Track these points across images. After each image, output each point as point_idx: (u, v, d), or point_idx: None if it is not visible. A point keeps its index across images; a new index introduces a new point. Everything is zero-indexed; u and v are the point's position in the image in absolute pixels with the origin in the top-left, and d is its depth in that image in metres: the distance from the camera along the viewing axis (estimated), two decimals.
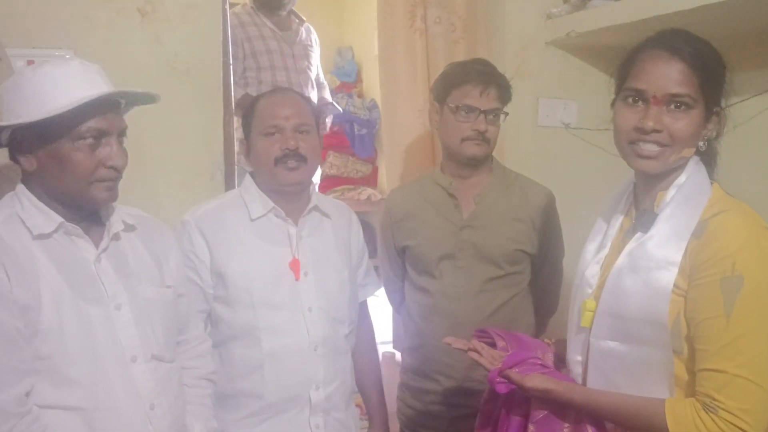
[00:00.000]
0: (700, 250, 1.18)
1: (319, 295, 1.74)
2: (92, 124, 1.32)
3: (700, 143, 1.26)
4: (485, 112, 1.89)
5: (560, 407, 1.34)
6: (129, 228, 1.49)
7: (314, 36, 3.20)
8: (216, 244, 1.71)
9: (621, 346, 1.27)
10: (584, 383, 1.35)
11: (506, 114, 1.96)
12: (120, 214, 1.47)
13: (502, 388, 1.37)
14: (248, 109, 1.81)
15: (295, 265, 1.73)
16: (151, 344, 1.43)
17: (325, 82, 3.35)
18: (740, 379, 1.12)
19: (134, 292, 1.43)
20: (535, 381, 1.33)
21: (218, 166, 2.20)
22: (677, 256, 1.20)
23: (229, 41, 2.25)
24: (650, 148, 1.24)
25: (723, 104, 1.26)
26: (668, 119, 1.22)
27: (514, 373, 1.35)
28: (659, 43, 1.25)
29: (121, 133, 1.39)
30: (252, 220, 1.74)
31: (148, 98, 1.47)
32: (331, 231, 1.83)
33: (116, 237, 1.45)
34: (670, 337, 1.20)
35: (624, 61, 1.30)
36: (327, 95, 3.29)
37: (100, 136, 1.34)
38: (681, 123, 1.22)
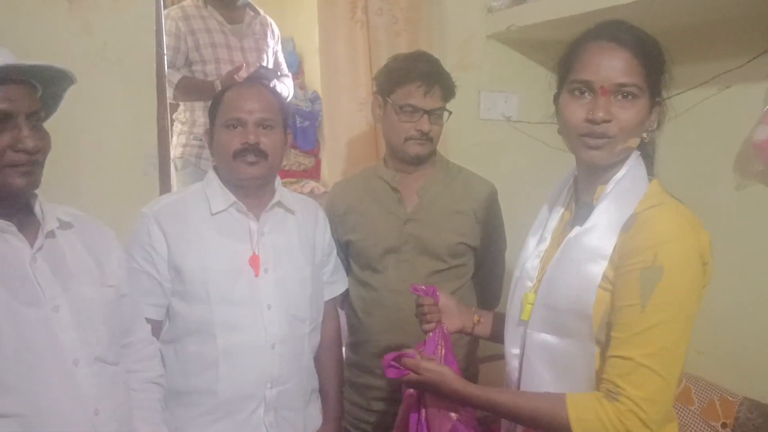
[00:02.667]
0: (627, 242, 1.19)
1: (278, 293, 1.70)
2: None
3: (644, 134, 1.27)
4: (429, 112, 1.87)
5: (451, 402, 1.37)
6: (65, 225, 1.41)
7: (272, 29, 3.12)
8: (174, 238, 1.67)
9: (552, 338, 1.28)
10: (519, 377, 1.35)
11: (450, 112, 1.95)
12: (55, 212, 1.39)
13: (392, 373, 1.38)
14: (215, 99, 1.76)
15: (254, 261, 1.69)
16: (93, 346, 1.36)
17: (287, 73, 3.24)
18: (645, 369, 1.14)
19: (74, 292, 1.36)
20: (432, 366, 1.34)
21: (152, 161, 2.12)
22: (608, 249, 1.21)
23: (163, 30, 2.17)
24: (597, 140, 1.24)
25: (663, 95, 1.27)
26: (616, 109, 1.22)
27: (411, 360, 1.36)
28: (603, 34, 1.25)
29: (32, 114, 1.28)
30: (212, 214, 1.70)
31: (63, 78, 1.35)
32: (295, 227, 1.79)
33: (51, 235, 1.37)
34: (593, 330, 1.21)
35: (566, 53, 1.29)
36: (285, 89, 3.17)
37: (4, 118, 1.24)
38: (629, 113, 1.22)
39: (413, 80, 1.86)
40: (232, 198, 1.71)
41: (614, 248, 1.20)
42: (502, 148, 2.70)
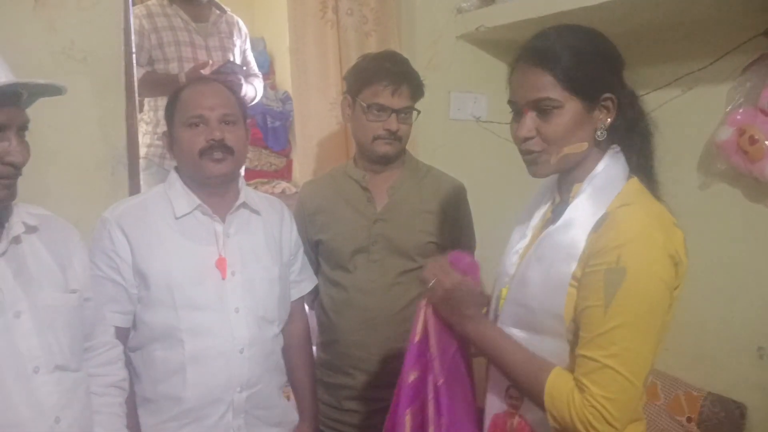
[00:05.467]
0: (595, 242, 1.20)
1: (246, 295, 1.68)
2: None
3: (598, 132, 1.27)
4: (397, 112, 1.88)
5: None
6: (30, 230, 1.37)
7: (238, 27, 3.09)
8: (137, 243, 1.63)
9: (523, 333, 1.29)
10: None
11: (418, 112, 1.96)
12: (20, 215, 1.36)
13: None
14: (171, 98, 1.72)
15: (221, 264, 1.66)
16: (54, 354, 1.33)
17: (257, 73, 3.21)
18: (608, 369, 1.15)
19: (35, 298, 1.33)
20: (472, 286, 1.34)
21: (120, 160, 2.09)
22: (578, 249, 1.21)
23: (131, 29, 2.14)
24: (530, 156, 1.29)
25: (615, 90, 1.26)
26: (539, 123, 1.26)
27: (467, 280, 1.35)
28: (525, 52, 1.28)
29: (22, 127, 1.28)
30: (177, 218, 1.66)
31: (53, 90, 1.35)
32: (261, 228, 1.77)
33: (16, 240, 1.34)
34: (564, 327, 1.22)
35: (508, 76, 1.33)
36: (252, 90, 3.13)
37: None
38: (551, 125, 1.25)
39: (381, 80, 1.86)
40: (197, 200, 1.68)
41: (584, 248, 1.21)
42: (472, 147, 2.72)
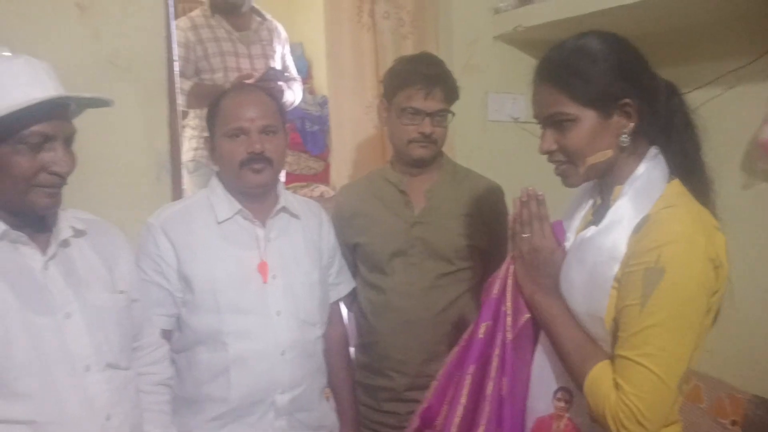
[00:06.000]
0: (636, 243, 1.19)
1: (287, 299, 1.71)
2: (37, 128, 1.26)
3: (622, 138, 1.26)
4: (431, 115, 1.88)
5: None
6: (78, 233, 1.43)
7: (278, 33, 3.13)
8: (182, 247, 1.67)
9: None
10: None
11: (453, 114, 1.95)
12: (68, 219, 1.42)
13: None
14: (212, 106, 1.76)
15: (263, 268, 1.70)
16: (105, 352, 1.38)
17: (296, 77, 3.25)
18: (641, 368, 1.15)
19: (85, 299, 1.38)
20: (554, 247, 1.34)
21: (164, 165, 2.14)
22: (619, 251, 1.21)
23: (174, 36, 2.19)
24: (558, 169, 1.31)
25: (633, 94, 1.24)
26: (557, 137, 1.27)
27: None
28: (535, 70, 1.31)
29: (68, 138, 1.33)
30: (218, 222, 1.70)
31: (100, 102, 1.41)
32: (300, 232, 1.80)
33: (64, 243, 1.39)
34: (606, 331, 1.22)
35: None
36: (291, 94, 3.17)
37: (44, 140, 1.28)
38: (568, 138, 1.26)
39: (414, 83, 1.87)
40: (238, 205, 1.71)
41: (626, 249, 1.20)
42: (510, 149, 2.70)
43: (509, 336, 1.34)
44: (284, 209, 1.77)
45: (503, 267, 1.39)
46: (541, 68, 1.29)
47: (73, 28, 2.02)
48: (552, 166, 1.34)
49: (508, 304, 1.36)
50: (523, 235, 1.35)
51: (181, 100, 2.61)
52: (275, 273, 1.70)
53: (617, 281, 1.20)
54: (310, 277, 1.77)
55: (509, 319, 1.35)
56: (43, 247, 1.36)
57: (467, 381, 1.37)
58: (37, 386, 1.27)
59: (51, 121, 1.28)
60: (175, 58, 2.20)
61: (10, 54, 1.79)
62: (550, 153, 1.30)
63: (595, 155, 1.26)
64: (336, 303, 1.95)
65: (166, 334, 1.68)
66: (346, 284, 1.97)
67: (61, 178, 1.31)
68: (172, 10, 2.18)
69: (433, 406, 1.45)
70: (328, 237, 1.89)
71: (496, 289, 1.38)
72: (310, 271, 1.78)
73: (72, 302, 1.35)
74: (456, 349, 1.44)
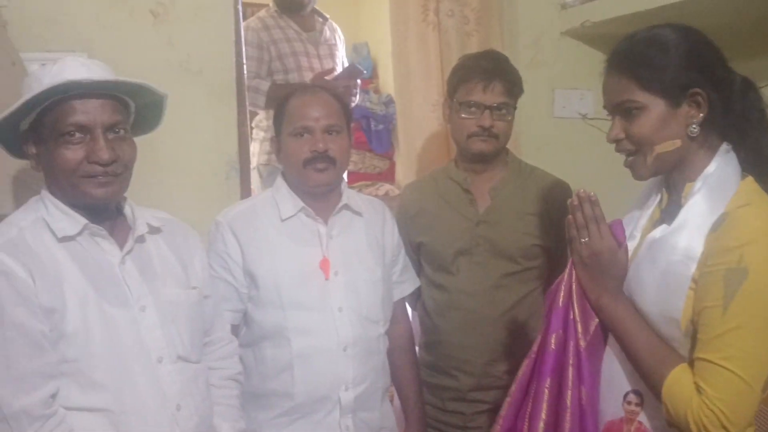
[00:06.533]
0: (714, 242, 1.16)
1: (348, 295, 1.73)
2: (71, 118, 1.32)
3: (692, 128, 1.24)
4: (490, 108, 1.87)
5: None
6: (154, 230, 1.49)
7: (338, 33, 3.17)
8: (248, 245, 1.72)
9: None
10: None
11: (515, 108, 1.94)
12: (145, 217, 1.48)
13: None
14: (279, 107, 1.80)
15: (324, 265, 1.73)
16: (176, 345, 1.44)
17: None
18: (725, 371, 1.12)
19: (159, 293, 1.44)
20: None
21: (233, 166, 2.20)
22: (696, 250, 1.18)
23: (242, 41, 2.24)
24: (626, 160, 1.30)
25: (704, 85, 1.22)
26: (625, 125, 1.26)
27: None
28: (607, 59, 1.31)
29: (109, 128, 1.36)
30: (282, 220, 1.74)
31: (154, 95, 1.45)
32: (363, 229, 1.82)
33: (141, 239, 1.45)
34: (681, 332, 1.19)
35: None
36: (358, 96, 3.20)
37: (83, 131, 1.33)
38: (635, 126, 1.25)
39: (473, 77, 1.87)
40: (301, 203, 1.74)
41: (703, 250, 1.17)
42: (578, 146, 2.66)
43: (582, 344, 1.31)
44: (347, 207, 1.80)
45: (565, 273, 1.37)
46: (611, 57, 1.30)
47: (148, 34, 2.10)
48: (620, 163, 1.32)
49: (576, 310, 1.33)
50: (582, 240, 1.32)
51: (258, 101, 2.67)
52: (337, 270, 1.73)
53: (694, 282, 1.17)
54: (373, 274, 1.79)
55: (579, 326, 1.32)
56: (121, 243, 1.42)
57: (545, 395, 1.34)
58: (113, 376, 1.33)
59: (85, 111, 1.33)
60: (244, 61, 2.26)
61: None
62: (618, 142, 1.29)
63: (663, 144, 1.24)
64: (401, 301, 1.96)
65: (234, 330, 1.73)
66: (410, 282, 1.98)
67: (104, 167, 1.34)
68: (240, 15, 2.24)
69: (511, 423, 1.43)
70: (391, 235, 1.90)
71: (561, 298, 1.36)
72: (372, 268, 1.80)
73: (147, 296, 1.41)
74: (526, 362, 1.42)
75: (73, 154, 1.33)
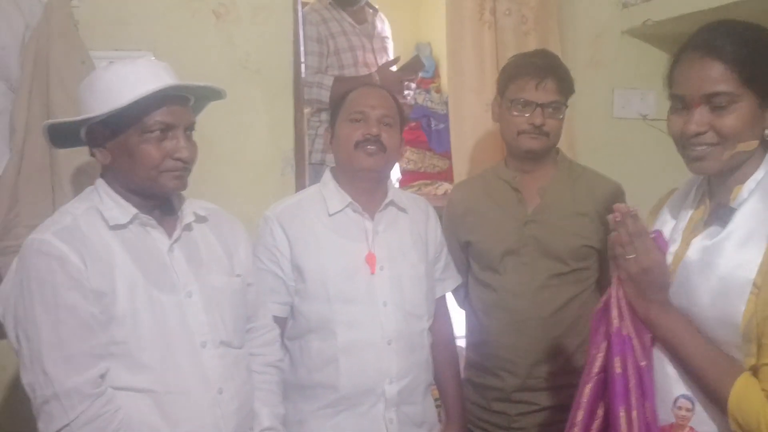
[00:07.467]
0: None
1: (393, 290, 1.76)
2: (158, 117, 1.40)
3: (767, 132, 1.20)
4: (542, 106, 1.86)
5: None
6: (200, 219, 1.56)
7: (387, 25, 3.08)
8: (295, 239, 1.76)
9: None
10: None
11: (566, 106, 1.92)
12: (192, 206, 1.55)
13: None
14: (339, 98, 1.86)
15: (370, 260, 1.76)
16: (219, 331, 1.49)
17: None
18: None
19: (204, 280, 1.50)
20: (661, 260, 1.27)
21: (289, 162, 2.27)
22: (757, 256, 1.15)
23: (301, 40, 2.29)
24: (699, 150, 1.22)
25: None
26: (712, 118, 1.19)
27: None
28: (693, 44, 1.22)
29: (188, 127, 1.46)
30: (330, 215, 1.78)
31: (214, 93, 1.54)
32: (408, 226, 1.85)
33: (188, 228, 1.52)
34: (740, 337, 1.16)
35: (668, 68, 1.28)
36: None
37: (166, 129, 1.41)
38: (726, 120, 1.18)
39: (524, 74, 1.86)
40: (348, 198, 1.78)
41: (765, 254, 1.14)
42: (637, 147, 2.60)
43: (643, 363, 1.28)
44: (392, 203, 1.82)
45: (611, 292, 1.32)
46: (700, 42, 1.21)
47: (211, 34, 2.19)
48: (682, 166, 1.27)
49: (629, 327, 1.30)
50: (627, 257, 1.27)
51: (322, 96, 2.61)
52: (382, 264, 1.76)
53: (756, 287, 1.14)
54: (417, 269, 1.81)
55: (635, 342, 1.29)
56: (170, 231, 1.49)
57: (623, 422, 1.27)
58: (159, 359, 1.39)
59: (171, 111, 1.41)
60: (302, 59, 2.31)
61: (153, 58, 1.98)
62: (698, 135, 1.21)
63: (745, 142, 1.20)
64: (442, 298, 1.96)
65: (280, 322, 1.77)
66: (452, 280, 1.98)
67: (185, 164, 1.44)
68: (299, 15, 2.30)
69: None
70: (434, 232, 1.91)
71: (616, 320, 1.31)
72: (416, 263, 1.81)
73: (193, 282, 1.47)
74: (590, 386, 1.34)
75: (156, 150, 1.41)
